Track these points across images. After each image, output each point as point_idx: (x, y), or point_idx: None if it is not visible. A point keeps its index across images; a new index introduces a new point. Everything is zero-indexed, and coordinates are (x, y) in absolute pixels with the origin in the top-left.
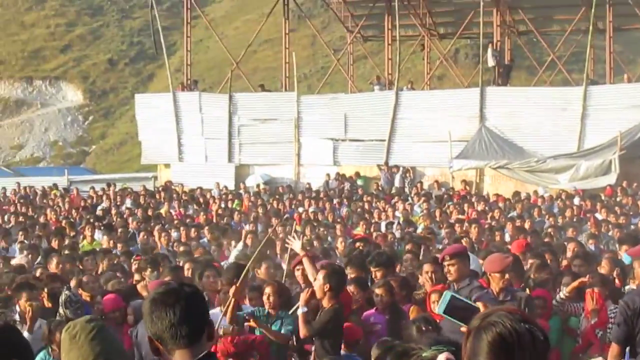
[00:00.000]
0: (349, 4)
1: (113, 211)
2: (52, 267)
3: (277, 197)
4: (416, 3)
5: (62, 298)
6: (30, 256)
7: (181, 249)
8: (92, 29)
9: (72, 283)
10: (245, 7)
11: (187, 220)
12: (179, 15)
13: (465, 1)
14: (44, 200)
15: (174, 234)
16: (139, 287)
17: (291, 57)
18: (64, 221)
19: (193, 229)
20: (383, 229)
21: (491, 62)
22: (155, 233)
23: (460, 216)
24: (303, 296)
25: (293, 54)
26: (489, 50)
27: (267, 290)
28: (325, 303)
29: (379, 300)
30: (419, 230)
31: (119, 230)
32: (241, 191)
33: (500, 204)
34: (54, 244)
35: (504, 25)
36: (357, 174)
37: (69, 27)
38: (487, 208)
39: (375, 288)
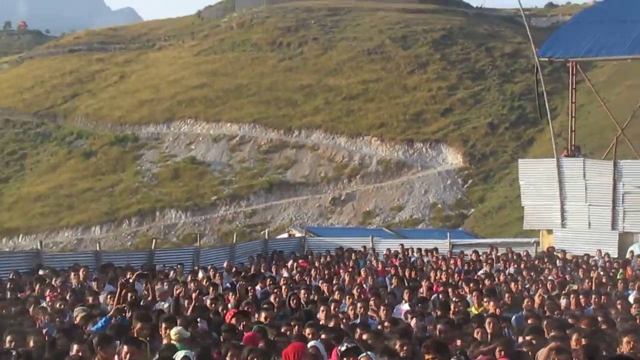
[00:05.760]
0: None
1: (499, 276)
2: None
3: None
4: None
5: None
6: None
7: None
8: (473, 93)
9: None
10: (627, 72)
11: (569, 288)
12: (559, 80)
13: None
14: (426, 263)
15: (562, 301)
16: None
17: None
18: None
19: (573, 296)
20: None
21: None
22: (537, 299)
23: None
24: None
25: None
26: None
27: None
28: None
29: None
30: None
31: (507, 295)
32: (628, 257)
33: None
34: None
35: None
36: None
37: (450, 91)
38: None
39: None
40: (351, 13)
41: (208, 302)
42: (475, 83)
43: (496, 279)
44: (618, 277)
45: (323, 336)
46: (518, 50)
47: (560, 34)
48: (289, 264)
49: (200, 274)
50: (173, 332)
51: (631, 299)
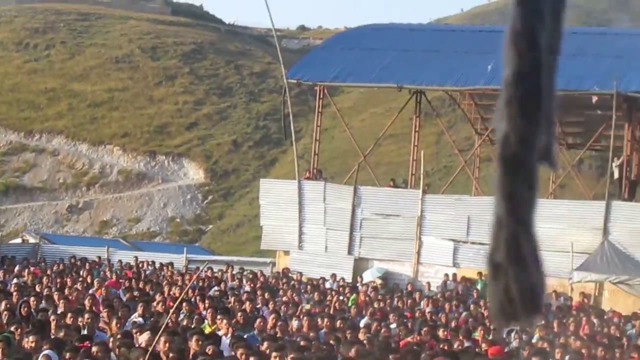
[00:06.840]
0: (480, 106)
1: (231, 294)
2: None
3: (393, 294)
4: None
5: None
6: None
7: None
8: (219, 109)
9: None
10: (373, 99)
11: (301, 308)
12: (306, 102)
13: (597, 113)
14: (161, 277)
15: (294, 323)
16: None
17: (419, 154)
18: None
19: (306, 319)
20: (504, 335)
21: (617, 174)
22: (270, 320)
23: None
24: None
25: (422, 152)
26: (615, 163)
27: None
28: None
29: None
30: (534, 340)
31: (239, 314)
32: (358, 284)
33: (616, 320)
34: (172, 322)
35: (634, 140)
36: (480, 275)
37: (196, 105)
38: (604, 323)
39: None
40: (102, 20)
41: None
42: (222, 99)
43: (230, 297)
44: (350, 302)
45: (46, 346)
46: (267, 70)
47: (310, 58)
48: (17, 269)
49: None
50: None
51: (362, 323)
